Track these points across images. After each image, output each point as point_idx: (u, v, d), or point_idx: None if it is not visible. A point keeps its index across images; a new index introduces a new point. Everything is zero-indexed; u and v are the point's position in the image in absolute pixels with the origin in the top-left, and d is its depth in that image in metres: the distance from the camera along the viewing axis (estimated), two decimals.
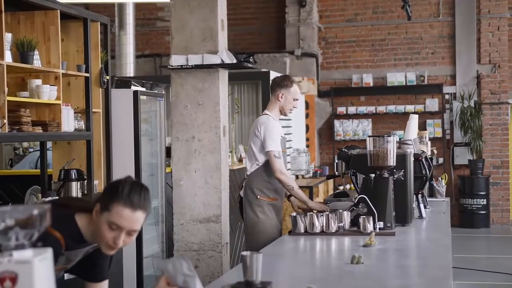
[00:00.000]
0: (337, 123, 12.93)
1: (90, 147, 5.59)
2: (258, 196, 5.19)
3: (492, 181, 12.48)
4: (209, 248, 5.67)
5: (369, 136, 4.44)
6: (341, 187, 12.28)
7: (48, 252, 1.78)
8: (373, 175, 4.39)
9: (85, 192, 5.55)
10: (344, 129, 12.93)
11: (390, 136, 4.40)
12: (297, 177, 10.25)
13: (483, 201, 12.22)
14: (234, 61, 5.78)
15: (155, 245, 6.79)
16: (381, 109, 12.76)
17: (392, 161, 4.37)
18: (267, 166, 5.17)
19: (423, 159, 5.08)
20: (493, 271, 8.60)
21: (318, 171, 11.03)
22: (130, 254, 6.20)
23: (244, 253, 2.73)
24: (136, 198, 2.57)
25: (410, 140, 5.11)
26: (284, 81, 5.33)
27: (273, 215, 5.22)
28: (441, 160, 12.54)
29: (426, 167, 5.03)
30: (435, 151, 8.36)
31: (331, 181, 11.31)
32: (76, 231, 2.65)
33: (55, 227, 2.57)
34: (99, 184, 5.80)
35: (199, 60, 5.72)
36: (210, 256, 5.65)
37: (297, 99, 5.36)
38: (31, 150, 8.63)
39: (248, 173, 5.29)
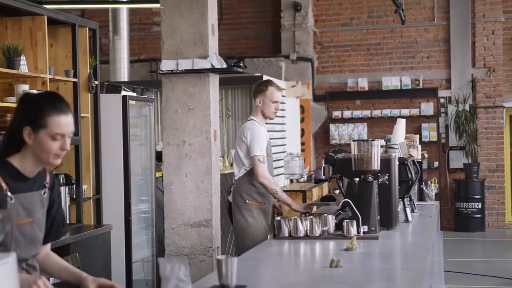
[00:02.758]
0: (332, 127, 12.95)
1: (78, 151, 5.61)
2: (247, 201, 5.29)
3: (487, 184, 12.49)
4: (200, 252, 5.68)
5: (353, 140, 4.46)
6: (337, 191, 12.29)
7: (11, 257, 1.80)
8: (357, 179, 4.40)
9: (74, 197, 5.56)
10: (340, 133, 12.95)
11: (374, 140, 4.41)
12: (291, 181, 10.26)
13: (478, 205, 12.22)
14: (224, 65, 5.79)
15: (145, 250, 6.80)
16: (377, 113, 12.78)
17: (376, 165, 4.38)
18: None
19: (410, 163, 5.09)
20: (488, 275, 8.61)
21: (313, 175, 11.04)
22: (119, 258, 6.21)
23: (219, 257, 2.75)
24: (61, 104, 2.70)
25: (396, 144, 5.12)
26: (260, 86, 5.44)
27: (261, 219, 5.29)
28: (436, 163, 12.55)
29: (412, 171, 5.04)
30: (426, 155, 8.37)
31: (325, 185, 11.32)
32: (13, 169, 2.69)
33: None
34: (87, 189, 5.82)
35: (189, 65, 5.74)
36: (201, 261, 5.66)
37: (276, 101, 5.40)
38: None
39: (236, 178, 5.38)
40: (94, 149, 5.96)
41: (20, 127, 2.69)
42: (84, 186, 5.71)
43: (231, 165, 8.06)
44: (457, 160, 12.57)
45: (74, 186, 5.55)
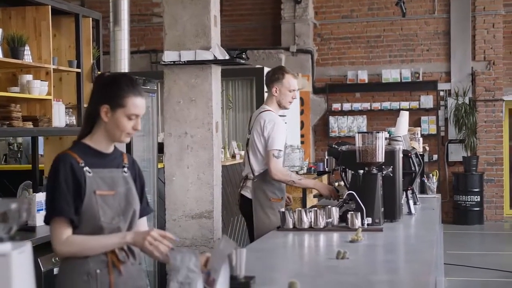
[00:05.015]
0: (332, 119, 12.95)
1: None
2: (271, 199, 5.10)
3: (486, 178, 12.52)
4: (201, 243, 5.69)
5: (358, 132, 4.45)
6: (336, 183, 12.30)
7: (27, 246, 1.81)
8: (361, 171, 4.39)
9: None
10: (339, 126, 12.96)
11: (379, 132, 4.41)
12: None
13: (477, 198, 12.25)
14: (227, 57, 5.78)
15: None
16: (376, 105, 12.79)
17: (380, 157, 4.38)
18: None
19: (413, 156, 5.10)
20: (486, 268, 8.64)
21: (313, 167, 11.05)
22: None
23: None
24: (138, 86, 2.89)
25: (400, 136, 5.12)
26: (275, 74, 5.19)
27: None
28: (435, 156, 12.56)
29: (416, 164, 5.04)
30: (427, 148, 8.37)
31: (325, 177, 11.34)
32: (87, 147, 2.86)
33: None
34: None
35: (191, 56, 5.73)
36: (203, 252, 5.65)
37: (293, 90, 5.18)
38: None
39: (256, 174, 5.14)
40: None
41: (97, 105, 2.84)
42: None
43: (232, 156, 8.06)
44: (456, 153, 12.59)
45: None
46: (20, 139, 8.50)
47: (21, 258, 1.77)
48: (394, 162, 4.56)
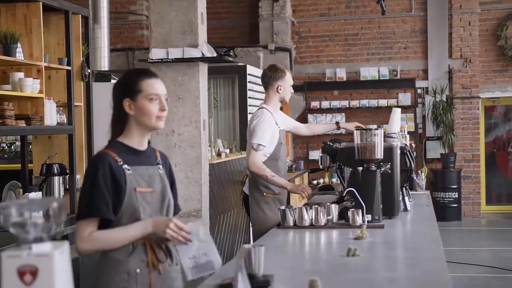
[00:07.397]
0: (311, 117, 12.97)
1: (72, 141, 5.52)
2: (264, 193, 5.15)
3: (463, 174, 12.63)
4: None
5: (356, 129, 4.45)
6: (315, 181, 12.33)
7: (66, 245, 1.77)
8: (360, 168, 4.39)
9: (67, 187, 5.48)
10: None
11: (377, 129, 4.41)
12: None
13: (454, 195, 12.36)
14: (215, 54, 5.76)
15: None
16: (355, 103, 12.83)
17: (379, 154, 4.38)
18: (270, 162, 5.09)
19: (408, 152, 5.12)
20: (466, 263, 8.72)
21: (293, 166, 11.07)
22: None
23: (247, 246, 2.72)
24: (148, 71, 2.92)
25: (395, 133, 5.13)
26: (278, 73, 5.28)
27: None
28: (413, 154, 12.63)
29: (411, 160, 5.06)
30: (413, 144, 8.43)
31: (306, 175, 11.36)
32: (122, 145, 2.85)
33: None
34: (81, 179, 5.73)
35: (179, 53, 5.70)
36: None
37: (291, 84, 5.38)
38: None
39: (251, 170, 5.14)
40: (87, 138, 5.88)
41: (119, 104, 2.84)
42: (78, 176, 5.63)
43: (218, 155, 8.02)
44: (434, 150, 12.69)
45: (68, 176, 5.45)
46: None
47: (61, 258, 1.73)
48: (392, 158, 4.57)
